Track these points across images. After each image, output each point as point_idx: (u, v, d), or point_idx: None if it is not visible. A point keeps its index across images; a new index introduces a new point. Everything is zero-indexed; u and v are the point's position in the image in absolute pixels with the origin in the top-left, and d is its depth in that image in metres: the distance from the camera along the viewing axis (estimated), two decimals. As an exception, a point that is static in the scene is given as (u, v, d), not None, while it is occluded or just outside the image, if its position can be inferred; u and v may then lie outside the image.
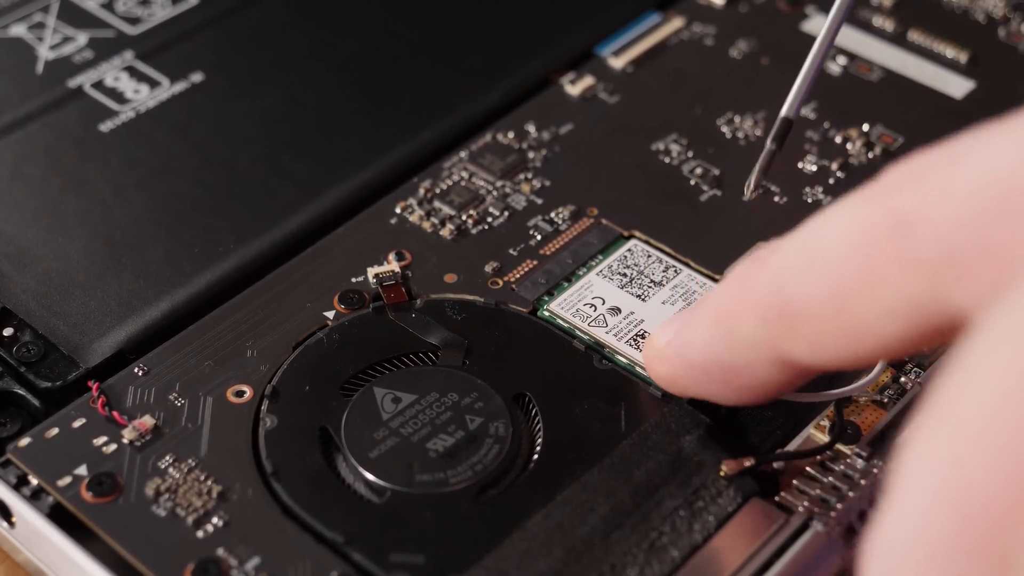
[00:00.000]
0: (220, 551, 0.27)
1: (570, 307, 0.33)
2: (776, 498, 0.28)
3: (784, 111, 0.33)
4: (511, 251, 0.34)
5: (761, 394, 0.25)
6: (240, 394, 0.30)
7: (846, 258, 0.21)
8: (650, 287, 0.33)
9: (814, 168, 0.37)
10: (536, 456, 0.29)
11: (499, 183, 0.37)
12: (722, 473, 0.28)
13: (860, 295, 0.21)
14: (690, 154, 0.38)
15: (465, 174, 0.37)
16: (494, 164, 0.37)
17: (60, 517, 0.28)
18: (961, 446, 0.17)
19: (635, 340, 0.32)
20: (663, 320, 0.31)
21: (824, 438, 0.30)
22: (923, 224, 0.20)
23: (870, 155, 0.38)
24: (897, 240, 0.20)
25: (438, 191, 0.36)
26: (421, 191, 0.36)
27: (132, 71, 0.41)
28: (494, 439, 0.29)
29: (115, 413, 0.30)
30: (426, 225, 0.35)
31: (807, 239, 0.22)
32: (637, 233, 0.35)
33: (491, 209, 0.36)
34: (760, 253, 0.24)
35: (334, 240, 0.35)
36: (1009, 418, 0.17)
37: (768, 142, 0.33)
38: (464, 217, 0.35)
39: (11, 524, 0.29)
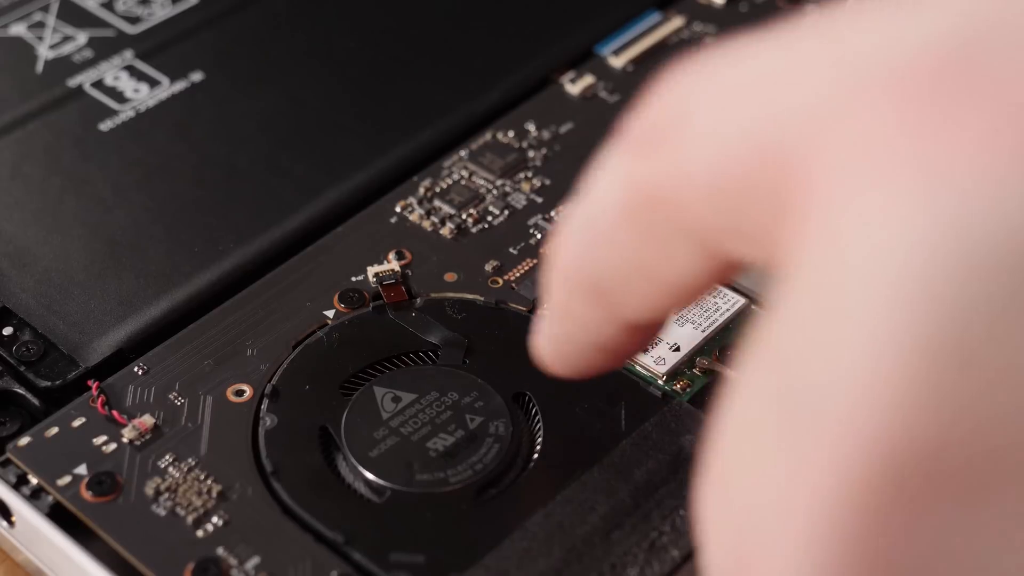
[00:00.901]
0: (220, 550, 0.27)
1: (570, 306, 0.33)
2: (776, 497, 0.28)
3: None
4: (511, 250, 0.34)
5: (640, 347, 0.25)
6: (240, 393, 0.30)
7: (623, 231, 0.21)
8: (650, 286, 0.33)
9: (814, 167, 0.37)
10: (536, 455, 0.29)
11: (499, 182, 0.37)
12: None
13: (653, 262, 0.21)
14: (690, 153, 0.38)
15: (465, 173, 0.37)
16: (494, 163, 0.37)
17: (60, 516, 0.28)
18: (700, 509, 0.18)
19: (635, 339, 0.32)
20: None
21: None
22: (673, 198, 0.19)
23: (870, 154, 0.38)
24: (659, 212, 0.20)
25: (438, 190, 0.36)
26: (421, 190, 0.36)
27: (132, 70, 0.41)
28: (494, 438, 0.29)
29: (115, 412, 0.30)
30: (426, 224, 0.35)
31: (584, 214, 0.22)
32: (637, 232, 0.35)
33: (491, 208, 0.36)
34: (556, 231, 0.24)
35: (334, 239, 0.35)
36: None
37: None
38: (464, 216, 0.35)
39: (11, 523, 0.29)
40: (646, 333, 0.24)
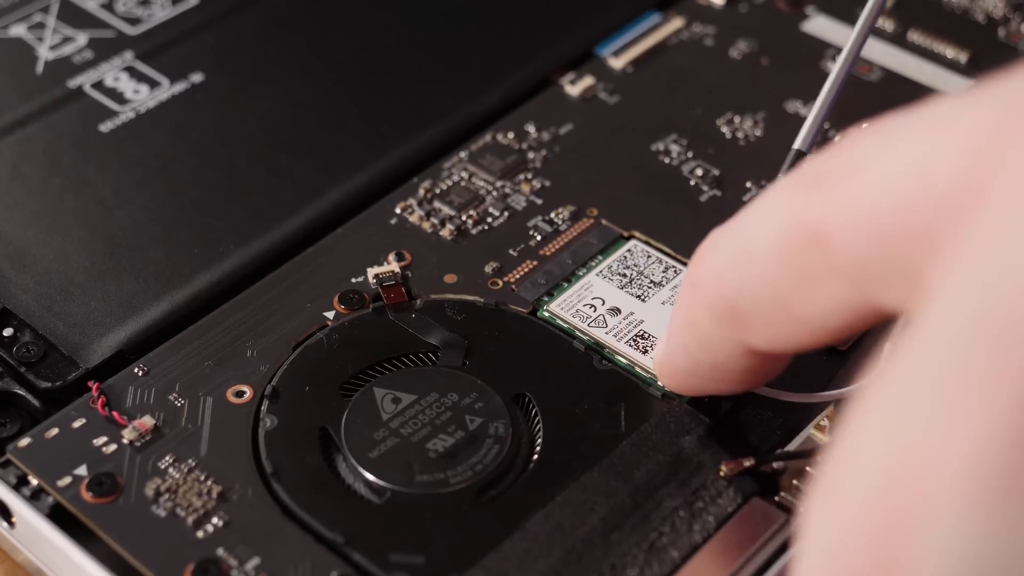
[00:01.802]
0: (220, 551, 0.27)
1: (570, 307, 0.33)
2: (776, 498, 0.28)
3: (797, 144, 0.33)
4: (511, 251, 0.34)
5: (752, 380, 0.27)
6: (240, 394, 0.30)
7: (775, 263, 0.22)
8: (650, 287, 0.33)
9: (814, 168, 0.37)
10: (536, 456, 0.29)
11: (499, 183, 0.37)
12: (722, 473, 0.28)
13: (795, 296, 0.22)
14: (690, 154, 0.38)
15: (465, 174, 0.37)
16: (494, 164, 0.37)
17: (60, 517, 0.28)
18: (842, 525, 0.18)
19: (635, 340, 0.32)
20: (662, 326, 0.31)
21: (824, 438, 0.30)
22: (835, 236, 0.21)
23: (870, 155, 0.38)
24: (816, 250, 0.21)
25: (438, 191, 0.36)
26: (421, 191, 0.36)
27: (132, 71, 0.41)
28: (494, 439, 0.29)
29: (115, 413, 0.30)
30: (426, 225, 0.35)
31: (738, 239, 0.23)
32: (637, 233, 0.35)
33: (491, 209, 0.36)
34: (703, 248, 0.25)
35: (334, 240, 0.35)
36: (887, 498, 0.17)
37: (780, 175, 0.33)
38: (464, 217, 0.35)
39: (11, 524, 0.29)
40: (767, 363, 0.25)
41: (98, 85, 0.40)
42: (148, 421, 0.29)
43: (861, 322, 0.21)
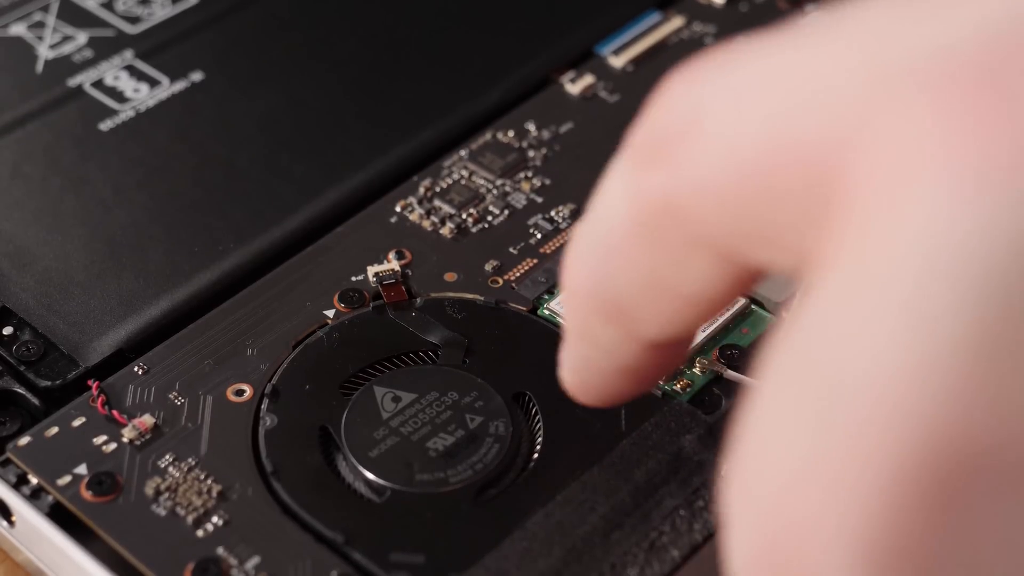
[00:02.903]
0: (220, 550, 0.27)
1: (570, 306, 0.33)
2: (776, 497, 0.28)
3: None
4: (511, 250, 0.34)
5: (669, 369, 0.24)
6: (240, 393, 0.30)
7: (635, 246, 0.20)
8: (650, 286, 0.33)
9: (814, 167, 0.37)
10: (536, 455, 0.29)
11: (499, 182, 0.37)
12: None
13: (667, 274, 0.20)
14: (690, 153, 0.38)
15: (465, 173, 0.37)
16: (494, 163, 0.37)
17: (60, 516, 0.28)
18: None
19: (635, 339, 0.32)
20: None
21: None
22: (684, 206, 0.19)
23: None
24: (670, 224, 0.19)
25: (438, 190, 0.36)
26: (421, 190, 0.36)
27: (132, 70, 0.41)
28: (494, 438, 0.29)
29: (115, 412, 0.30)
30: (426, 224, 0.35)
31: (593, 231, 0.22)
32: (637, 232, 0.35)
33: (491, 208, 0.36)
34: (568, 250, 0.23)
35: (334, 239, 0.35)
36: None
37: None
38: (464, 216, 0.35)
39: (11, 523, 0.29)
40: (670, 353, 0.23)
41: (98, 84, 0.40)
42: (148, 420, 0.29)
43: (746, 285, 0.20)
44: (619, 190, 0.21)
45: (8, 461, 0.29)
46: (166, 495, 0.28)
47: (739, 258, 0.19)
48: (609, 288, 0.21)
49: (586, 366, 0.24)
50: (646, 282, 0.21)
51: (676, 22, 0.43)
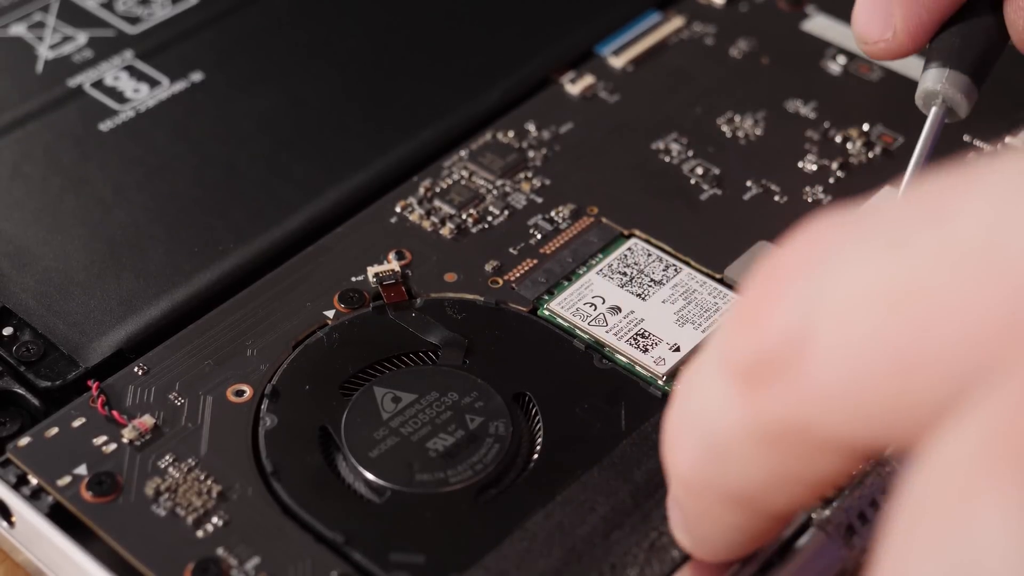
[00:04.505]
0: (220, 551, 0.27)
1: (570, 306, 0.33)
2: (776, 497, 0.28)
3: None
4: (511, 250, 0.34)
5: (784, 527, 0.25)
6: (240, 393, 0.30)
7: (756, 456, 0.20)
8: (650, 286, 0.33)
9: (814, 167, 0.37)
10: (536, 455, 0.29)
11: (499, 182, 0.37)
12: None
13: (796, 474, 0.20)
14: (690, 153, 0.38)
15: (465, 173, 0.37)
16: (494, 163, 0.37)
17: (60, 517, 0.28)
18: None
19: (635, 339, 0.32)
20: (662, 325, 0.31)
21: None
22: (812, 427, 0.19)
23: (870, 155, 0.38)
24: (796, 441, 0.19)
25: (438, 190, 0.36)
26: (421, 190, 0.36)
27: (132, 70, 0.41)
28: (494, 438, 0.29)
29: (115, 412, 0.30)
30: (426, 224, 0.35)
31: (700, 434, 0.21)
32: (637, 232, 0.35)
33: (491, 208, 0.36)
34: (667, 444, 0.23)
35: (334, 239, 0.35)
36: None
37: None
38: (464, 216, 0.35)
39: (11, 524, 0.29)
40: (792, 515, 0.23)
41: (98, 84, 0.40)
42: (148, 420, 0.29)
43: (871, 459, 0.20)
44: (725, 400, 0.20)
45: (8, 461, 0.29)
46: (166, 495, 0.28)
47: (870, 450, 0.19)
48: (729, 484, 0.21)
49: (711, 539, 0.24)
50: (773, 480, 0.21)
51: (676, 22, 0.43)
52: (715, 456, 0.21)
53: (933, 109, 0.33)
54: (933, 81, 0.32)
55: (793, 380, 0.18)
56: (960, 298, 0.16)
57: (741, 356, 0.19)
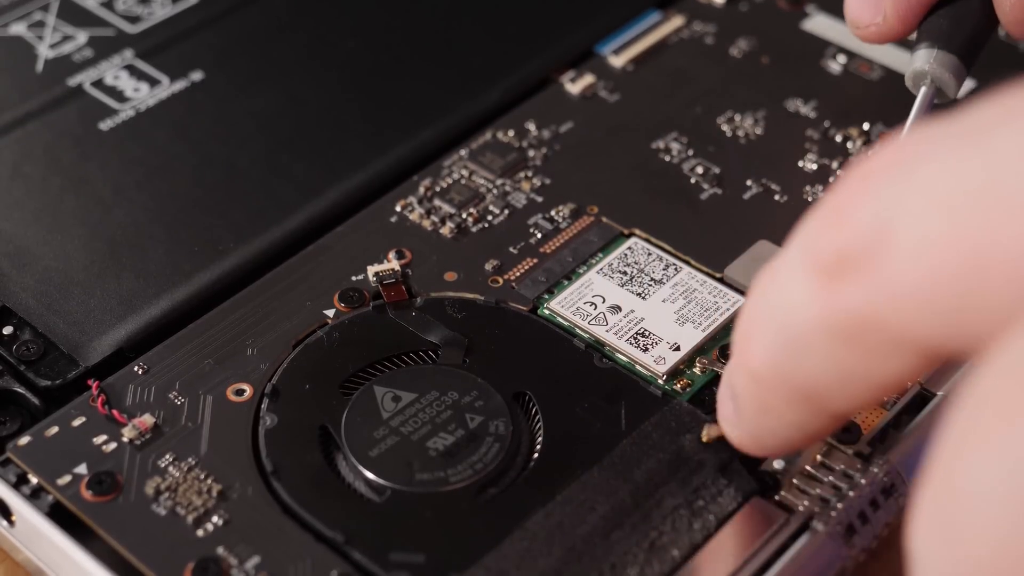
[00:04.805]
0: (220, 550, 0.27)
1: (570, 305, 0.33)
2: (776, 497, 0.28)
3: None
4: (511, 249, 0.34)
5: (839, 427, 0.26)
6: (240, 392, 0.30)
7: (833, 349, 0.21)
8: (650, 285, 0.33)
9: (814, 167, 0.37)
10: (536, 455, 0.29)
11: (499, 181, 0.37)
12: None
13: (868, 371, 0.21)
14: (690, 152, 0.38)
15: (465, 172, 0.37)
16: (494, 162, 0.37)
17: (60, 516, 0.28)
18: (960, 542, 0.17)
19: (635, 338, 0.32)
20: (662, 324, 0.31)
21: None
22: (889, 321, 0.19)
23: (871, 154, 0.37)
24: (873, 334, 0.20)
25: (438, 189, 0.36)
26: (421, 189, 0.36)
27: (132, 70, 0.40)
28: (494, 438, 0.29)
29: (115, 412, 0.30)
30: (426, 223, 0.35)
31: (778, 325, 0.22)
32: (637, 231, 0.35)
33: (491, 207, 0.36)
34: (741, 332, 0.23)
35: (334, 238, 0.35)
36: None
37: None
38: (464, 215, 0.35)
39: (11, 523, 0.29)
40: (848, 416, 0.24)
41: (98, 83, 0.40)
42: (148, 419, 0.29)
43: (936, 366, 0.20)
44: (806, 294, 0.21)
45: (8, 461, 0.29)
46: (166, 495, 0.28)
47: (940, 351, 0.19)
48: (800, 378, 0.22)
49: (767, 434, 0.24)
50: (842, 376, 0.21)
51: (676, 22, 0.43)
52: (790, 349, 0.21)
53: (922, 89, 0.33)
54: (922, 61, 0.33)
55: (872, 275, 0.19)
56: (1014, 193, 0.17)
57: (823, 251, 0.20)
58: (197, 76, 0.40)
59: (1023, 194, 0.17)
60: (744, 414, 0.25)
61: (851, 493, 0.28)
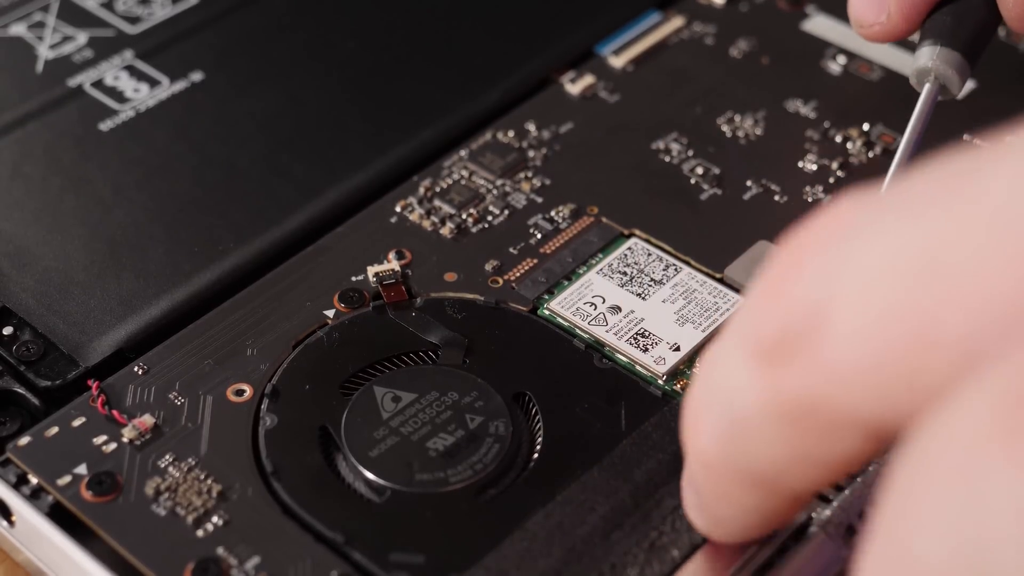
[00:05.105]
0: (220, 550, 0.27)
1: (570, 306, 0.33)
2: (776, 497, 0.28)
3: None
4: (511, 250, 0.34)
5: (801, 509, 0.26)
6: (240, 393, 0.30)
7: (776, 433, 0.20)
8: (650, 285, 0.33)
9: (814, 167, 0.37)
10: (536, 455, 0.29)
11: (499, 182, 0.37)
12: None
13: (815, 454, 0.20)
14: (690, 153, 0.38)
15: (465, 173, 0.37)
16: (494, 163, 0.37)
17: (60, 516, 0.28)
18: None
19: (635, 339, 0.32)
20: (662, 324, 0.31)
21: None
22: (830, 404, 0.19)
23: (870, 154, 0.38)
24: (815, 418, 0.19)
25: (438, 190, 0.36)
26: (421, 190, 0.36)
27: (132, 70, 0.41)
28: (494, 438, 0.29)
29: (115, 412, 0.30)
30: (426, 224, 0.35)
31: (721, 411, 0.21)
32: (637, 232, 0.35)
33: (491, 208, 0.36)
34: (688, 423, 0.23)
35: (334, 239, 0.35)
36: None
37: None
38: (464, 216, 0.35)
39: (11, 523, 0.29)
40: (809, 497, 0.23)
41: (98, 84, 0.40)
42: (148, 420, 0.29)
43: (889, 443, 0.19)
44: (746, 379, 0.20)
45: (8, 461, 0.29)
46: (166, 495, 0.28)
47: (888, 430, 0.19)
48: (749, 463, 0.21)
49: (729, 520, 0.24)
50: (792, 459, 0.20)
51: (676, 22, 0.43)
52: (735, 434, 0.21)
53: (926, 86, 0.33)
54: (926, 58, 0.33)
55: (812, 356, 0.18)
56: (978, 271, 0.16)
57: (761, 333, 0.19)
58: (197, 76, 0.40)
59: (960, 267, 0.17)
60: (704, 502, 0.24)
61: (851, 493, 0.28)
